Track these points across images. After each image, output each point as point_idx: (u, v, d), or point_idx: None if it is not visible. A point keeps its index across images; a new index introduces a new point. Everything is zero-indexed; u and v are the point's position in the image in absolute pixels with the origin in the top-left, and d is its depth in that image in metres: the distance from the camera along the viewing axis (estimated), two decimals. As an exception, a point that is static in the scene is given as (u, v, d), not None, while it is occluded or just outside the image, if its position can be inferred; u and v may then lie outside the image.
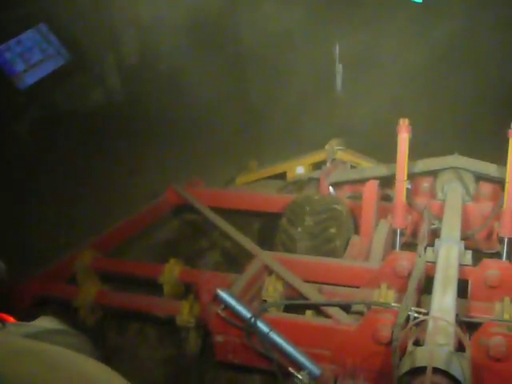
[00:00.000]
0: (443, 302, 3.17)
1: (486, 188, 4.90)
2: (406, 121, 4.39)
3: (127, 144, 5.94)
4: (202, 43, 7.01)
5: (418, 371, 2.59)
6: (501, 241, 4.49)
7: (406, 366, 2.65)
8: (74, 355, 1.27)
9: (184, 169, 6.06)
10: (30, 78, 6.14)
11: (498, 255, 4.56)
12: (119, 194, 5.48)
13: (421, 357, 2.63)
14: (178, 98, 6.66)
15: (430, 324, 2.92)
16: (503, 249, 4.42)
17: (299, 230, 4.56)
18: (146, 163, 5.85)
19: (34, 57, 6.18)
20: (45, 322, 1.60)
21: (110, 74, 6.75)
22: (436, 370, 2.52)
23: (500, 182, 4.61)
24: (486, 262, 3.90)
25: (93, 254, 4.69)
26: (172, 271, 4.39)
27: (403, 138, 4.40)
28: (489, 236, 4.73)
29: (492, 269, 3.81)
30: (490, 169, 4.89)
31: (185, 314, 3.97)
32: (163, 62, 6.86)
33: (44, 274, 4.49)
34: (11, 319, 1.58)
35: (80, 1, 6.03)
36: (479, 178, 4.96)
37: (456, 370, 2.55)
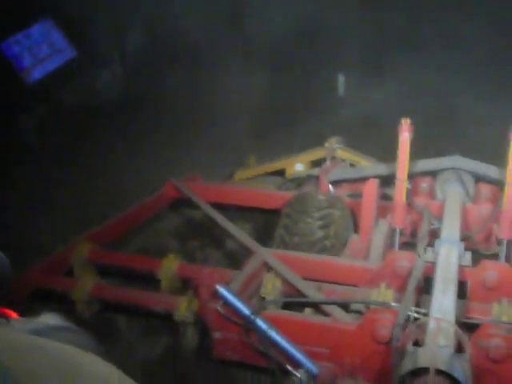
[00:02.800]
0: (443, 303, 3.17)
1: (486, 189, 4.90)
2: (408, 120, 4.38)
3: (129, 139, 5.91)
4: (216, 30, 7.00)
5: (420, 372, 2.59)
6: (499, 242, 4.49)
7: (407, 367, 2.64)
8: (79, 352, 1.26)
9: (183, 163, 6.02)
10: (38, 73, 6.09)
11: (496, 256, 4.57)
12: (117, 188, 5.44)
13: (423, 358, 2.63)
14: (180, 93, 6.64)
15: (431, 325, 2.92)
16: (502, 250, 4.43)
17: (299, 226, 4.56)
18: (145, 157, 5.82)
19: (42, 51, 6.14)
20: (49, 319, 1.59)
21: (116, 69, 6.73)
22: (438, 372, 2.52)
23: (499, 184, 4.61)
24: (485, 263, 3.91)
25: (90, 246, 4.66)
26: (170, 266, 4.37)
27: (405, 137, 4.39)
28: (488, 237, 4.72)
29: (490, 270, 3.82)
30: (490, 170, 4.90)
31: (183, 309, 3.96)
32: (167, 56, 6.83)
33: (41, 267, 4.47)
34: (15, 315, 1.57)
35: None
36: (479, 179, 4.96)
37: (458, 372, 2.55)
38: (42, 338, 1.31)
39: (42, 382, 1.08)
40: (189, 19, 6.70)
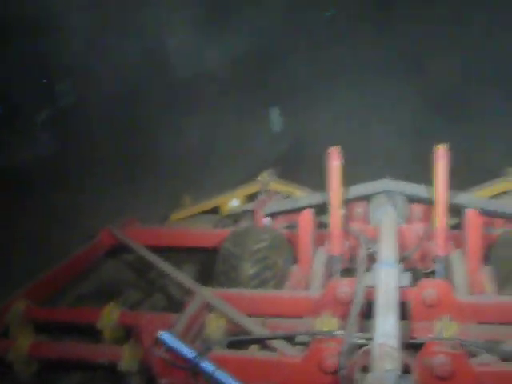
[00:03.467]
0: (386, 327, 3.18)
1: (418, 209, 5.03)
2: (338, 148, 4.46)
3: (61, 194, 5.81)
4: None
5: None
6: (436, 260, 4.57)
7: (355, 395, 2.63)
8: None
9: (118, 208, 5.95)
10: None
11: (434, 274, 4.65)
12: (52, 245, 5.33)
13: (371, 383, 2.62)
14: (111, 141, 6.59)
15: (376, 350, 2.92)
16: (438, 267, 4.51)
17: (238, 261, 4.52)
18: (80, 208, 5.72)
19: None
20: None
21: (40, 128, 6.63)
22: (385, 397, 2.51)
23: (430, 203, 4.71)
24: (423, 281, 3.97)
25: (25, 303, 4.49)
26: (111, 315, 4.25)
27: (335, 165, 4.46)
28: (424, 256, 4.81)
29: (429, 288, 3.87)
30: (419, 190, 5.01)
31: (127, 359, 3.85)
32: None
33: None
34: None
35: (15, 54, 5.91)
36: (410, 199, 5.06)
37: (405, 395, 2.56)
38: None
39: None
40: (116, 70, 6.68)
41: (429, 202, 4.78)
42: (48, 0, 6.12)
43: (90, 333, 4.30)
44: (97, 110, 6.69)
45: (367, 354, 2.98)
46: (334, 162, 4.47)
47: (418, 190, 5.04)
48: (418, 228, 4.90)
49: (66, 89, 6.80)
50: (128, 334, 4.24)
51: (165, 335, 3.45)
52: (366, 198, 5.13)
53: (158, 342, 3.47)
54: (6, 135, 6.15)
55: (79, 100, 6.81)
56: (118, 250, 5.65)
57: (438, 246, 4.50)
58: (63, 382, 4.18)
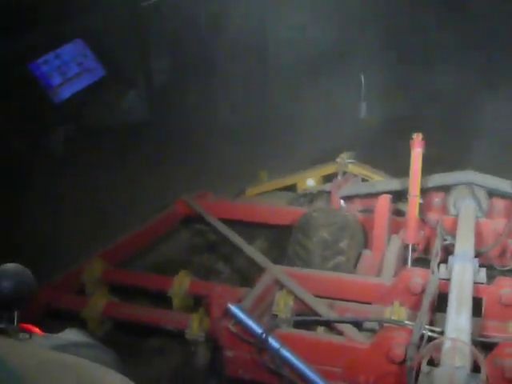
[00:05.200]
0: (458, 322, 3.12)
1: (500, 204, 4.86)
2: (420, 135, 4.36)
3: (148, 159, 5.94)
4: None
5: (435, 393, 2.55)
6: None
7: (423, 388, 2.60)
8: (101, 369, 1.26)
9: (195, 181, 6.03)
10: (66, 92, 6.17)
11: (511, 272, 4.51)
12: (129, 205, 5.46)
13: (440, 379, 2.59)
14: (198, 112, 6.67)
15: (447, 344, 2.87)
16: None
17: (312, 242, 4.52)
18: (157, 175, 5.83)
19: (71, 70, 6.22)
20: (71, 335, 1.59)
21: (141, 90, 6.81)
22: (454, 393, 2.47)
23: (514, 199, 4.56)
24: (501, 280, 3.85)
25: (102, 264, 4.65)
26: (181, 284, 4.35)
27: (417, 152, 4.36)
28: (502, 253, 4.67)
29: (507, 287, 3.76)
30: (504, 185, 4.85)
31: (194, 327, 3.93)
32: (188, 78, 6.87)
33: (53, 284, 4.45)
34: (38, 331, 1.58)
35: (117, 17, 6.07)
36: (492, 193, 4.91)
37: (474, 394, 2.51)
38: (63, 354, 1.31)
39: None
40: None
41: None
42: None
43: (160, 298, 4.42)
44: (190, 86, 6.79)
45: (437, 347, 2.93)
46: (417, 148, 4.37)
47: (502, 184, 4.88)
48: (498, 224, 4.75)
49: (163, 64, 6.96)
50: (196, 303, 4.34)
51: (234, 308, 3.49)
52: (446, 188, 5.01)
53: (227, 315, 3.52)
54: (106, 97, 6.33)
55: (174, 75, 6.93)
56: (192, 220, 5.75)
57: (519, 245, 4.36)
58: (132, 342, 4.29)
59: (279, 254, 4.82)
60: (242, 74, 7.15)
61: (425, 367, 2.83)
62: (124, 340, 4.21)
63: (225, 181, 6.42)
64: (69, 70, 6.22)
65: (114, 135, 6.09)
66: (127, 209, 5.44)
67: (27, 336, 1.51)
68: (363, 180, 5.87)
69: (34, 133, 5.47)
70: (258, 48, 7.45)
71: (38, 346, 1.41)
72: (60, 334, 1.60)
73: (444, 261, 4.11)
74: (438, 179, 5.00)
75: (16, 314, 1.60)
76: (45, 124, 5.75)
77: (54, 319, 4.13)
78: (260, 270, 4.28)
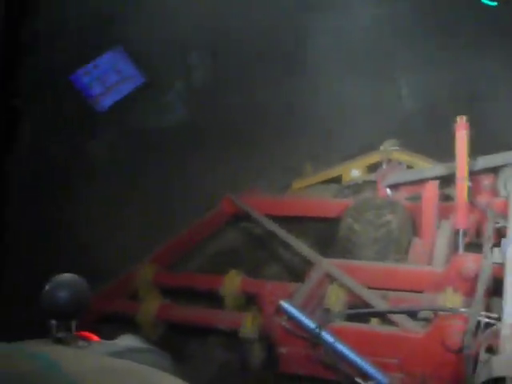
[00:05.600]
0: (515, 307, 3.04)
1: (553, 184, 4.73)
2: (464, 118, 4.28)
3: (192, 159, 5.99)
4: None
5: (496, 381, 2.49)
6: None
7: (482, 377, 2.55)
8: (159, 374, 1.28)
9: (240, 177, 6.06)
10: (107, 101, 6.31)
11: None
12: (178, 204, 5.51)
13: (498, 367, 2.52)
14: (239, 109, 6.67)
15: (504, 331, 2.81)
16: None
17: (360, 233, 4.50)
18: (203, 174, 5.87)
19: (110, 79, 6.35)
20: (127, 341, 1.62)
21: (181, 96, 6.88)
22: (515, 381, 2.41)
23: None
24: (557, 260, 3.74)
25: (154, 268, 4.71)
26: (233, 282, 4.37)
27: (461, 135, 4.28)
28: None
29: None
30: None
31: (248, 326, 3.94)
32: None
33: (106, 291, 4.53)
34: (95, 338, 1.62)
35: (154, 24, 6.13)
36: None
37: (535, 381, 2.44)
38: (121, 360, 1.34)
39: None
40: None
41: None
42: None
43: (211, 298, 4.45)
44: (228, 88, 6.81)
45: (494, 334, 2.87)
46: (461, 131, 4.29)
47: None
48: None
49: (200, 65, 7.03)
50: (248, 301, 4.35)
51: (286, 304, 3.49)
52: (495, 170, 4.90)
53: (280, 311, 3.52)
54: (147, 101, 6.44)
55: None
56: (240, 218, 5.77)
57: None
58: (187, 345, 4.33)
59: (328, 248, 4.79)
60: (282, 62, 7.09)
61: (483, 355, 2.77)
62: (178, 342, 4.26)
63: (272, 175, 6.43)
64: (108, 78, 6.33)
65: (157, 137, 6.15)
66: (177, 210, 5.48)
67: (86, 344, 1.54)
68: (408, 167, 5.79)
69: (79, 141, 5.57)
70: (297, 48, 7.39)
71: (96, 353, 1.44)
72: (116, 341, 1.63)
73: (497, 244, 4.03)
74: (486, 161, 4.90)
75: (73, 323, 1.64)
76: (89, 131, 5.86)
77: (108, 325, 4.20)
78: (310, 264, 4.27)
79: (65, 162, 5.36)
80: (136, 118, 6.33)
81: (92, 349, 1.53)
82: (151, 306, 4.29)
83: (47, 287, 1.66)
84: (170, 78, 6.81)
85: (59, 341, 1.56)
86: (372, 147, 6.07)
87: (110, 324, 4.23)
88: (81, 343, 1.56)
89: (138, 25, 5.92)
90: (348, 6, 6.93)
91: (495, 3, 6.55)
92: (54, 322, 1.60)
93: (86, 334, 1.64)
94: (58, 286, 1.66)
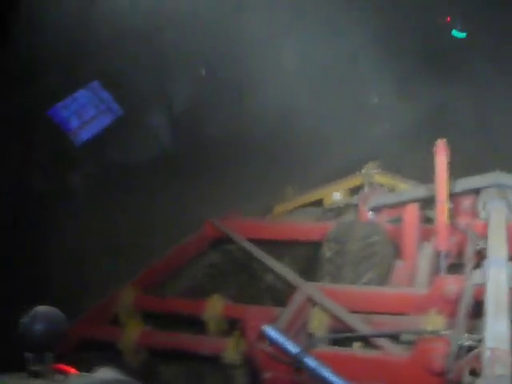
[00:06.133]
0: (497, 330, 3.04)
1: (531, 205, 4.77)
2: (444, 141, 4.32)
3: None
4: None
5: (479, 405, 2.49)
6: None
7: (466, 401, 2.55)
8: None
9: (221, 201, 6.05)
10: (85, 134, 6.32)
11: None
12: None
13: (481, 390, 2.53)
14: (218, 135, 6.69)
15: (487, 354, 2.81)
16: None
17: (344, 257, 4.49)
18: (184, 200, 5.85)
19: (88, 113, 6.37)
20: (105, 373, 1.60)
21: (160, 128, 6.90)
22: (497, 404, 2.41)
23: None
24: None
25: (134, 292, 4.66)
26: (215, 307, 4.35)
27: (441, 159, 4.32)
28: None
29: (544, 290, 3.67)
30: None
31: (231, 351, 3.91)
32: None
33: (87, 317, 4.47)
34: (73, 370, 1.59)
35: (132, 57, 6.15)
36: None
37: (518, 403, 2.45)
38: None
39: None
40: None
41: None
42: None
43: (192, 323, 4.42)
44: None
45: (477, 356, 2.87)
46: (441, 154, 4.32)
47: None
48: (530, 225, 4.65)
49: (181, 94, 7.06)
50: (231, 326, 4.32)
51: (269, 329, 3.46)
52: (475, 192, 4.94)
53: (263, 336, 3.50)
54: (124, 135, 6.45)
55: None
56: (222, 242, 5.75)
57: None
58: (169, 371, 4.29)
59: (310, 271, 4.78)
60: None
61: (467, 378, 2.77)
62: (160, 368, 4.21)
63: (253, 198, 6.43)
64: (86, 112, 6.36)
65: (136, 171, 6.15)
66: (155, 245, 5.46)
67: (62, 377, 1.52)
68: (390, 190, 5.82)
69: (58, 173, 5.55)
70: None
71: None
72: (94, 374, 1.61)
73: (478, 265, 4.05)
74: (465, 183, 4.94)
75: (49, 355, 1.61)
76: (67, 165, 5.84)
77: (90, 351, 4.14)
78: (292, 287, 4.26)
79: (43, 195, 5.32)
80: (114, 151, 6.33)
81: (69, 382, 1.50)
82: (132, 333, 4.24)
83: (23, 320, 1.65)
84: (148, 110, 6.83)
85: (35, 374, 1.54)
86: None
87: (92, 350, 4.19)
88: (57, 377, 1.54)
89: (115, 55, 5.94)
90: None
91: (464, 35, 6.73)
92: (29, 354, 1.58)
93: (63, 366, 1.62)
94: (33, 319, 1.64)
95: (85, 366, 1.71)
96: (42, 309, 1.69)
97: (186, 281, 5.42)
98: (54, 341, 1.64)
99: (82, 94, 6.33)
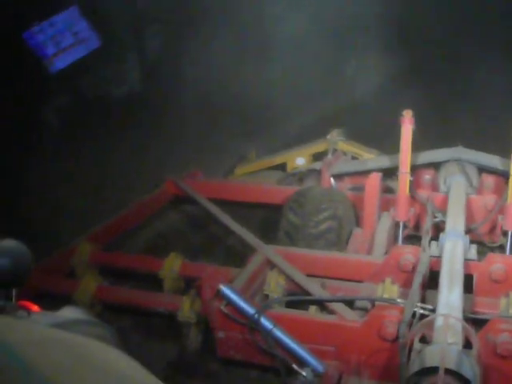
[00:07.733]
0: (450, 299, 3.12)
1: (490, 180, 4.84)
2: (410, 112, 4.33)
3: (135, 135, 5.82)
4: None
5: (428, 370, 2.54)
6: (505, 234, 4.45)
7: (415, 366, 2.60)
8: (100, 346, 1.23)
9: (183, 160, 5.96)
10: (60, 63, 6.03)
11: (501, 248, 4.52)
12: (120, 182, 5.36)
13: (431, 357, 2.58)
14: (185, 92, 6.54)
15: (438, 321, 2.87)
16: (507, 242, 4.38)
17: (303, 220, 4.50)
18: (145, 154, 5.74)
19: (65, 40, 6.09)
20: (70, 312, 1.57)
21: (135, 64, 6.69)
22: (447, 370, 2.47)
23: (504, 175, 4.55)
24: (491, 256, 3.86)
25: (91, 247, 4.61)
26: (172, 265, 4.33)
27: (407, 129, 4.34)
28: (492, 229, 4.67)
29: (497, 263, 3.76)
30: (494, 161, 4.85)
31: (186, 309, 3.91)
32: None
33: (42, 268, 4.40)
34: (36, 308, 1.56)
35: None
36: (482, 170, 4.90)
37: (467, 371, 2.51)
38: (63, 332, 1.28)
39: (64, 375, 1.05)
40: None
41: (502, 175, 4.64)
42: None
43: (151, 280, 4.39)
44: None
45: (428, 324, 2.93)
46: (407, 125, 4.34)
47: (492, 160, 4.87)
48: (488, 200, 4.74)
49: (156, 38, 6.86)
50: (188, 284, 4.32)
51: (226, 289, 3.47)
52: (436, 165, 5.00)
53: (219, 296, 3.50)
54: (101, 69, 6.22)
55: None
56: (181, 200, 5.71)
57: (508, 221, 4.35)
58: (124, 325, 4.26)
59: (270, 234, 4.79)
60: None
61: (417, 345, 2.83)
62: (116, 323, 4.18)
63: (215, 158, 6.37)
64: (63, 39, 6.08)
65: (108, 106, 5.97)
66: (121, 185, 5.34)
67: (25, 314, 1.49)
68: (353, 158, 5.84)
69: (30, 103, 5.33)
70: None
71: (35, 324, 1.38)
72: (59, 312, 1.58)
73: (435, 238, 4.12)
74: (427, 156, 4.99)
75: (14, 291, 1.58)
76: (40, 95, 5.61)
77: (45, 301, 4.08)
78: (251, 250, 4.26)
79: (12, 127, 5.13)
80: (88, 84, 6.12)
81: (33, 319, 1.47)
82: (88, 287, 4.20)
83: None
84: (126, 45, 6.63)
85: None
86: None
87: (47, 300, 4.13)
88: (20, 313, 1.50)
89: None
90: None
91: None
92: None
93: (27, 303, 1.58)
94: None
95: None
96: (7, 242, 1.64)
97: (144, 238, 5.37)
98: (20, 276, 1.60)
99: (60, 19, 6.05)
